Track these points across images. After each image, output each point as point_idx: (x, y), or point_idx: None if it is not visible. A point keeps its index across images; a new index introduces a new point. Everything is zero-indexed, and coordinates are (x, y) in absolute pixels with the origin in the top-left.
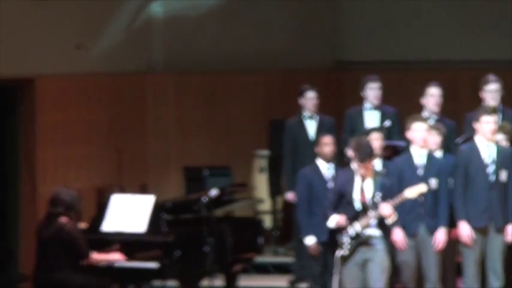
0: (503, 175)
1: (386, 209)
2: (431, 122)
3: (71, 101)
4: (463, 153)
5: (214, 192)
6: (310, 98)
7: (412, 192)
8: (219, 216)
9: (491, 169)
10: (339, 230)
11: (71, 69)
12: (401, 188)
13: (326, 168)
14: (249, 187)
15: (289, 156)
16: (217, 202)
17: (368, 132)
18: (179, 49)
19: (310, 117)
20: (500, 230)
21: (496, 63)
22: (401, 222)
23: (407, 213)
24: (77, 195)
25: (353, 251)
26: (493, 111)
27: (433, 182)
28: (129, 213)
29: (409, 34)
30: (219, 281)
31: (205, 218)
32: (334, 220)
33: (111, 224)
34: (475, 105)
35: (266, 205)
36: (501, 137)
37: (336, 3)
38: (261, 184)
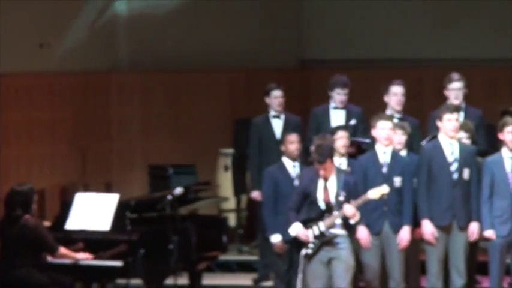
0: (466, 173)
1: (349, 210)
2: (395, 120)
3: (35, 99)
4: (426, 152)
5: (178, 190)
6: (276, 97)
7: (375, 193)
8: (184, 214)
9: (454, 167)
10: (307, 225)
11: (35, 68)
12: (366, 186)
13: (292, 167)
14: (214, 185)
15: (254, 155)
16: (181, 200)
17: (333, 130)
18: (143, 48)
19: (276, 116)
20: (463, 228)
21: (459, 62)
22: (366, 220)
23: (372, 212)
24: (31, 188)
25: (317, 249)
26: (455, 109)
27: (397, 181)
28: (93, 211)
29: (373, 33)
30: (184, 280)
31: (169, 217)
32: (295, 230)
33: (74, 222)
34: (439, 103)
35: (231, 203)
36: (463, 135)
37: (301, 2)
38: (225, 182)
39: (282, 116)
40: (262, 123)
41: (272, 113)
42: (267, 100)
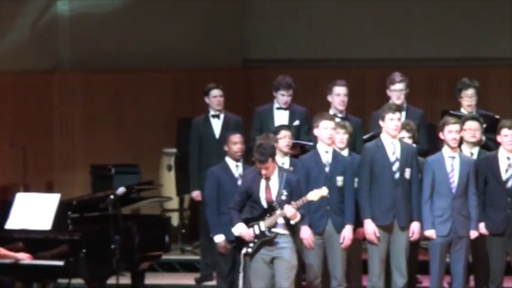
0: (407, 173)
1: (289, 211)
2: (337, 119)
3: None
4: (368, 151)
5: (121, 190)
6: (215, 96)
7: (314, 195)
8: (126, 214)
9: (395, 167)
10: (249, 224)
11: None
12: (308, 186)
13: (235, 167)
14: (157, 185)
15: (195, 155)
16: (124, 200)
17: (277, 130)
18: (86, 47)
19: (216, 116)
20: (404, 228)
21: (401, 62)
22: (309, 220)
23: (315, 212)
24: None
25: (259, 249)
26: (397, 109)
27: (339, 180)
28: (34, 211)
29: (316, 32)
30: (126, 279)
31: (112, 216)
32: (239, 230)
33: (15, 222)
34: (381, 103)
35: (174, 203)
36: (405, 135)
37: (244, 2)
38: (168, 182)
39: (222, 116)
40: (202, 122)
41: (211, 112)
42: (206, 100)
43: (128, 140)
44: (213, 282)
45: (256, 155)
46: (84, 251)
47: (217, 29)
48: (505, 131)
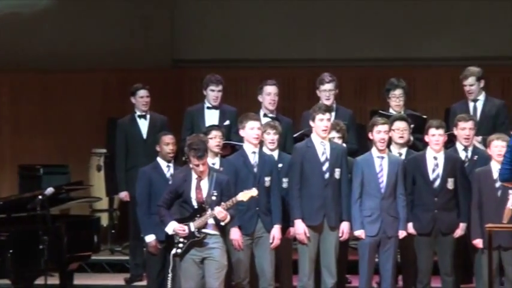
0: (337, 173)
1: (220, 212)
2: (267, 119)
3: None
4: (298, 151)
5: (49, 190)
6: (141, 97)
7: (244, 195)
8: (55, 214)
9: (325, 167)
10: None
11: None
12: (237, 186)
13: (166, 167)
14: (86, 185)
15: (121, 155)
16: (53, 200)
17: (207, 130)
18: (14, 47)
19: (142, 116)
20: (334, 228)
21: (331, 62)
22: (238, 221)
23: (244, 212)
24: None
25: (188, 249)
26: (327, 109)
27: (267, 180)
28: None
29: (247, 33)
30: (54, 280)
31: (40, 217)
32: (172, 227)
33: None
34: (311, 103)
35: (103, 203)
36: (335, 135)
37: (174, 2)
38: (98, 182)
39: (148, 116)
40: (128, 123)
41: (138, 112)
42: (133, 100)
43: (57, 140)
44: (143, 283)
45: (191, 153)
46: (11, 251)
47: (147, 29)
48: (432, 131)
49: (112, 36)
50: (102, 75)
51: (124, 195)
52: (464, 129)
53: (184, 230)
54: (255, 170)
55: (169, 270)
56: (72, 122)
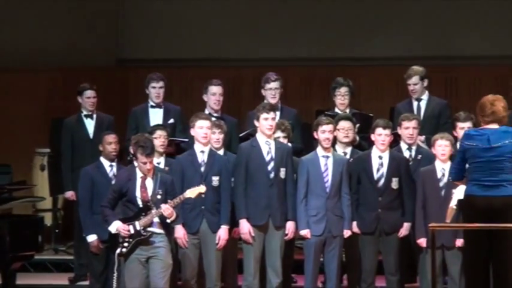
0: (282, 172)
1: (166, 210)
2: (213, 119)
3: None
4: (243, 151)
5: None
6: (88, 97)
7: (192, 192)
8: None
9: (270, 166)
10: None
11: None
12: (184, 185)
13: (109, 167)
14: (29, 185)
15: (67, 155)
16: None
17: (152, 129)
18: None
19: (89, 116)
20: (280, 227)
21: (276, 61)
22: (184, 219)
23: (190, 211)
24: None
25: (133, 249)
26: (272, 108)
27: (215, 180)
28: None
29: (192, 33)
30: None
31: None
32: (115, 226)
33: None
34: (257, 103)
35: (47, 203)
36: (280, 134)
37: (118, 2)
38: (42, 182)
39: (94, 116)
40: (75, 123)
41: (84, 112)
42: (80, 100)
43: (0, 140)
44: (87, 282)
45: (139, 151)
46: None
47: (92, 29)
48: (379, 130)
49: (56, 36)
50: (46, 75)
51: (70, 194)
52: (408, 129)
53: (128, 230)
54: (202, 169)
55: (114, 270)
56: (15, 122)
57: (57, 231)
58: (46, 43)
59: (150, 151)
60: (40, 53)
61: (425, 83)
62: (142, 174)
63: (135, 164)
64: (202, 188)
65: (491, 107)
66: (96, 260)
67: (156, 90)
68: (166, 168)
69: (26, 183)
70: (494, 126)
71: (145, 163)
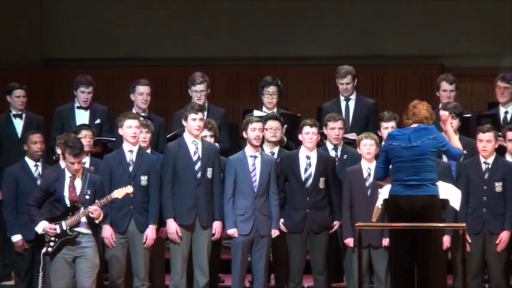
0: (209, 172)
1: (95, 210)
2: (141, 118)
3: None
4: (170, 151)
5: None
6: (18, 96)
7: (120, 193)
8: None
9: (197, 166)
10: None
11: None
12: (111, 185)
13: (34, 166)
14: None
15: None
16: None
17: (77, 130)
18: None
19: (18, 115)
20: (207, 227)
21: (203, 61)
22: (112, 218)
23: (118, 210)
24: None
25: (60, 248)
26: (199, 109)
27: (143, 179)
28: None
29: (119, 32)
30: None
31: None
32: (42, 226)
33: None
34: (184, 102)
35: None
36: (207, 133)
37: (43, 1)
38: None
39: (24, 115)
40: (3, 122)
41: (13, 112)
42: (8, 99)
43: None
44: (11, 282)
45: (68, 151)
46: None
47: (16, 28)
48: (306, 129)
49: None
50: None
51: None
52: (333, 129)
53: (54, 229)
54: (130, 168)
55: (40, 269)
56: None
57: None
58: None
59: (78, 151)
60: None
61: (355, 83)
62: (70, 174)
63: (61, 163)
64: (129, 189)
65: (413, 109)
66: (21, 260)
67: (84, 95)
68: (92, 168)
69: None
70: (415, 125)
71: (73, 163)
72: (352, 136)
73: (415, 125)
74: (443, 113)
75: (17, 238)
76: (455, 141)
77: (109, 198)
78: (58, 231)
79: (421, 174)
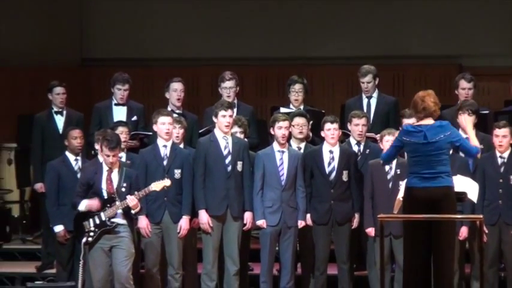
0: (239, 165)
1: (132, 201)
2: (174, 115)
3: None
4: (202, 146)
5: None
6: (58, 94)
7: (157, 186)
8: None
9: (228, 160)
10: (89, 214)
11: None
12: (147, 178)
13: (74, 160)
14: None
15: (37, 149)
16: None
17: (114, 126)
18: None
19: (59, 112)
20: (237, 218)
21: (233, 61)
22: (147, 210)
23: (153, 202)
24: None
25: (98, 238)
26: (229, 106)
27: (177, 173)
28: None
29: (153, 34)
30: None
31: None
32: (84, 204)
33: None
34: (215, 100)
35: (14, 195)
36: (237, 130)
37: (82, 3)
38: (9, 175)
39: (64, 112)
40: (45, 118)
41: (54, 109)
42: (50, 96)
43: None
44: (53, 270)
45: (105, 144)
46: None
47: (57, 29)
48: (327, 126)
49: (22, 36)
50: (12, 74)
51: (39, 186)
52: (357, 125)
53: (97, 204)
54: (165, 162)
55: (80, 258)
56: None
57: (24, 222)
58: (11, 42)
59: (114, 145)
60: (5, 52)
61: (377, 81)
62: (108, 168)
63: (99, 158)
64: (167, 182)
65: (422, 103)
66: (63, 249)
67: (121, 92)
68: (128, 162)
69: None
70: (429, 121)
71: (108, 156)
72: (373, 135)
73: (429, 121)
74: (463, 119)
75: (59, 228)
76: (474, 140)
77: (147, 191)
78: (97, 222)
79: (436, 167)
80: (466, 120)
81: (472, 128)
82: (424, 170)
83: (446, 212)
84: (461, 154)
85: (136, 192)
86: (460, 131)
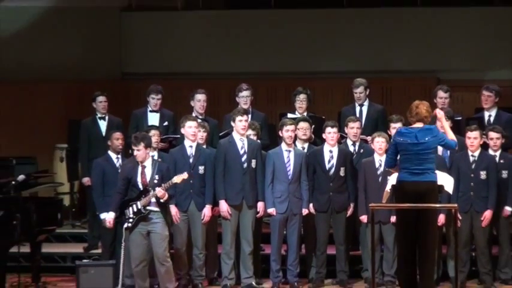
0: (253, 163)
1: (159, 192)
2: (198, 121)
3: None
4: (222, 146)
5: (21, 177)
6: (100, 102)
7: (177, 178)
8: (26, 196)
9: (244, 158)
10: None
11: None
12: (176, 173)
13: (116, 159)
14: (51, 173)
15: (84, 149)
16: (24, 185)
17: (148, 129)
18: None
19: (102, 118)
20: (251, 207)
21: (247, 75)
22: (177, 200)
23: (181, 193)
24: None
25: (137, 224)
26: (244, 112)
27: (201, 169)
28: None
29: (181, 52)
30: (26, 248)
31: (13, 198)
32: (104, 217)
33: None
34: (233, 108)
35: (65, 188)
36: (251, 133)
37: (120, 23)
38: (61, 171)
39: (107, 117)
40: (90, 123)
41: (98, 115)
42: (94, 105)
43: (28, 138)
44: (98, 251)
45: (133, 141)
46: None
47: (101, 48)
48: (328, 129)
49: (71, 54)
50: (63, 85)
51: (86, 180)
52: (353, 128)
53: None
54: (191, 160)
55: (122, 241)
56: (40, 123)
57: (73, 210)
58: (62, 59)
59: (137, 141)
60: (57, 67)
61: (367, 92)
62: (140, 163)
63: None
64: (185, 175)
65: (415, 110)
66: (107, 233)
67: (154, 100)
68: (160, 159)
69: (48, 171)
70: (419, 125)
71: (139, 150)
72: (365, 137)
73: (419, 125)
74: (438, 111)
75: (104, 216)
76: (450, 134)
77: (170, 183)
78: (135, 210)
79: (424, 164)
80: (443, 118)
81: (448, 126)
82: (414, 166)
83: (430, 202)
84: (440, 152)
85: (162, 184)
86: (437, 123)
